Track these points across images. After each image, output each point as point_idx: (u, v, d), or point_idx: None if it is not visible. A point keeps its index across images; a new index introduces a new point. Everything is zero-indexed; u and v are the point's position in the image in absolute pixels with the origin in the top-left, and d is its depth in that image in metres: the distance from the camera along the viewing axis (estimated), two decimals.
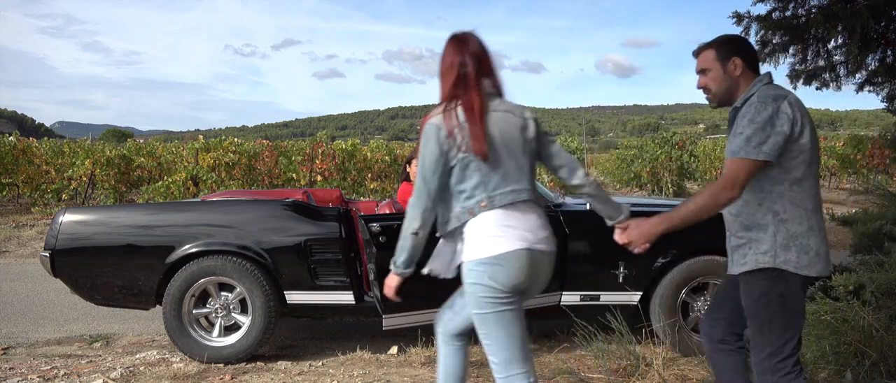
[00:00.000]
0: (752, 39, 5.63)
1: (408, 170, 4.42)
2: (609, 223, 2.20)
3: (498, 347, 2.09)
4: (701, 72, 2.19)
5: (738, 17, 5.56)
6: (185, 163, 11.87)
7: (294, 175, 13.25)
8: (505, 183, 2.02)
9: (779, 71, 6.07)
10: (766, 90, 2.05)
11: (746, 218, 2.08)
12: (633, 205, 4.19)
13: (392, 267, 2.15)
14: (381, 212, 4.06)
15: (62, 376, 3.37)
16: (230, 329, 3.69)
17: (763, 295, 2.05)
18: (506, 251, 1.97)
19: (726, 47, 2.14)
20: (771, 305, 2.04)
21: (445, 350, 2.31)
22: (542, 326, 4.18)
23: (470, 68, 2.06)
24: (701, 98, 2.28)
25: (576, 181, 2.15)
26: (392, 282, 2.18)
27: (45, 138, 16.78)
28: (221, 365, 3.54)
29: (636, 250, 2.11)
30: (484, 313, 2.04)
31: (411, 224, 2.05)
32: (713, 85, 2.16)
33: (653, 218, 2.05)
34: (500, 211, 2.00)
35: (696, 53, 2.22)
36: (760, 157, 1.95)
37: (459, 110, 2.01)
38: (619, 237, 2.13)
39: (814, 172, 2.04)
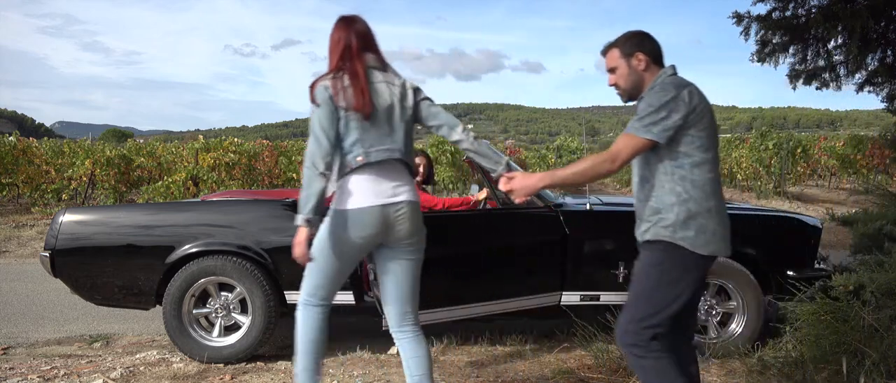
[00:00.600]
0: (752, 39, 5.63)
1: None
2: (492, 175, 2.40)
3: (317, 273, 2.40)
4: (610, 70, 2.29)
5: (738, 17, 5.57)
6: (185, 163, 11.88)
7: (294, 175, 13.26)
8: (380, 142, 2.30)
9: (779, 70, 6.07)
10: (669, 79, 2.17)
11: (656, 201, 2.18)
12: (634, 205, 4.21)
13: (299, 220, 2.28)
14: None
15: (62, 376, 3.37)
16: (230, 329, 3.69)
17: (655, 265, 2.16)
18: (362, 206, 2.28)
19: (629, 44, 2.25)
20: (661, 276, 2.15)
21: (304, 313, 2.50)
22: (542, 326, 4.18)
23: (354, 43, 2.36)
24: None
25: (455, 137, 2.39)
26: (301, 236, 2.29)
27: (45, 138, 16.78)
28: (221, 365, 3.54)
29: (517, 201, 2.31)
30: (328, 247, 2.34)
31: (317, 166, 2.25)
32: (621, 81, 2.27)
33: (537, 173, 2.28)
34: (371, 167, 2.29)
35: (604, 53, 2.32)
36: (647, 136, 2.09)
37: (345, 77, 2.30)
38: (503, 185, 2.32)
39: (711, 158, 2.15)
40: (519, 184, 2.28)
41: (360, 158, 2.28)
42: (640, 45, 2.23)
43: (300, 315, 2.48)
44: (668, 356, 2.16)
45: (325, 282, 2.44)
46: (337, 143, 2.31)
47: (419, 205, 2.41)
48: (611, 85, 2.31)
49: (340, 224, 2.31)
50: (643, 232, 2.22)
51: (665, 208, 2.15)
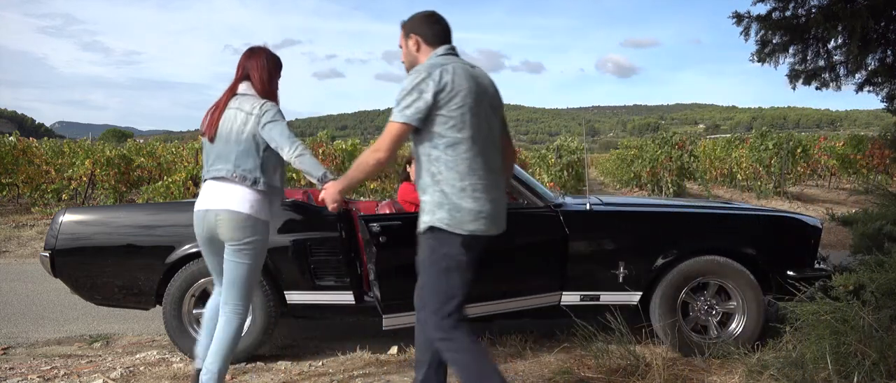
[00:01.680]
0: (752, 39, 5.62)
1: (408, 170, 4.43)
2: (318, 185, 2.63)
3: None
4: (401, 49, 2.42)
5: (738, 17, 5.56)
6: (185, 163, 11.87)
7: (294, 175, 13.25)
8: (216, 163, 2.71)
9: (779, 71, 6.06)
10: (429, 60, 2.23)
11: (420, 183, 2.24)
12: (633, 204, 4.21)
13: None
14: (382, 212, 4.06)
15: (62, 376, 3.37)
16: None
17: (429, 254, 2.22)
18: (195, 210, 2.74)
19: (407, 26, 2.36)
20: (434, 264, 2.20)
21: (220, 320, 2.79)
22: (542, 326, 4.18)
23: (237, 73, 2.77)
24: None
25: (285, 157, 2.64)
26: None
27: (45, 138, 16.79)
28: None
29: (330, 208, 2.47)
30: None
31: None
32: (404, 60, 2.38)
33: (338, 180, 2.44)
34: (208, 182, 2.73)
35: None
36: (400, 120, 2.15)
37: (215, 107, 2.75)
38: (320, 196, 2.55)
39: (468, 138, 2.17)
40: (325, 194, 2.42)
41: (202, 176, 2.78)
42: (414, 28, 2.32)
43: None
44: (478, 344, 2.22)
45: (216, 284, 2.91)
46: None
47: (246, 217, 2.66)
48: (402, 62, 2.41)
49: (192, 224, 2.79)
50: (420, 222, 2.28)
51: (423, 190, 2.22)
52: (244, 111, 2.69)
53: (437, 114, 2.14)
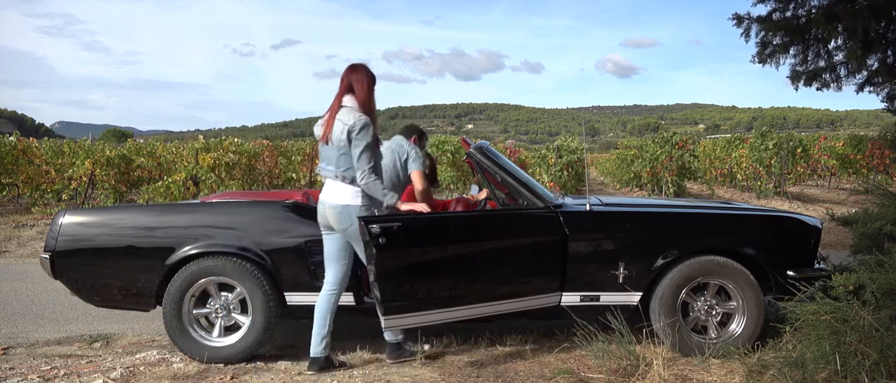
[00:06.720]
0: (753, 40, 5.62)
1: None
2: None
3: None
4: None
5: (739, 19, 5.56)
6: (185, 163, 11.87)
7: (294, 175, 13.27)
8: (327, 164, 3.31)
9: (780, 72, 6.08)
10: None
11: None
12: (633, 205, 4.21)
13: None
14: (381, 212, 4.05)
15: (62, 376, 3.37)
16: (230, 329, 3.68)
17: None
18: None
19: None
20: None
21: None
22: (542, 326, 4.18)
23: (339, 89, 3.30)
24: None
25: (357, 178, 3.24)
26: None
27: (45, 138, 16.78)
28: (221, 365, 3.53)
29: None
30: None
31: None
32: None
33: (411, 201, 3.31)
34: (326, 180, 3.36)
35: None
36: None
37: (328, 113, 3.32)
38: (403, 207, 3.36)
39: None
40: (422, 208, 3.46)
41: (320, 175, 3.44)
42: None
43: None
44: None
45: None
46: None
47: (340, 207, 3.22)
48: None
49: None
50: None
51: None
52: (343, 123, 3.20)
53: None
